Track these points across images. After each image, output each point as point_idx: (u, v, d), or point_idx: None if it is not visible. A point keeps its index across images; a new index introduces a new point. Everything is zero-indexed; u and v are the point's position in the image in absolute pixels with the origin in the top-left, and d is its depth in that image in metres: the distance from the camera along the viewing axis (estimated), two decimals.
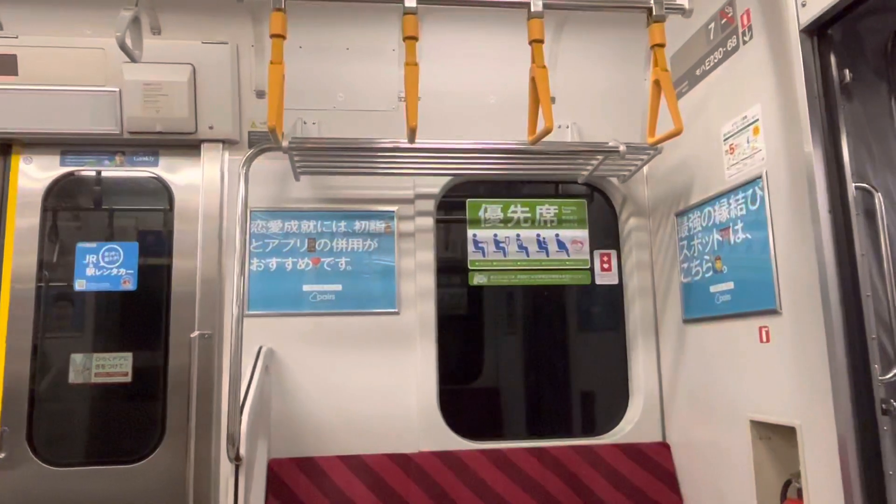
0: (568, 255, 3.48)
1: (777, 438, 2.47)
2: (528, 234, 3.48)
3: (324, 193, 3.32)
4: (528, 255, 3.46)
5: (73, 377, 3.10)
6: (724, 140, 2.71)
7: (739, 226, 2.61)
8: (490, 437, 3.30)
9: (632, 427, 3.28)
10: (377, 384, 3.17)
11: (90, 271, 3.15)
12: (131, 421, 3.13)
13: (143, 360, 3.14)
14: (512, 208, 3.49)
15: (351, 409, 3.13)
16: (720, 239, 2.75)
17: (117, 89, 3.10)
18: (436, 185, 3.37)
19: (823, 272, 2.11)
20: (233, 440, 2.42)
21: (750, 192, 2.53)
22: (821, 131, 2.17)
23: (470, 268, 3.43)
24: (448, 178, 3.39)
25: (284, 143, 2.84)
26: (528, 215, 3.50)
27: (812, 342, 2.17)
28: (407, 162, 3.18)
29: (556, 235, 3.49)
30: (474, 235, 3.45)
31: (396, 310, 3.24)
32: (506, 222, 3.48)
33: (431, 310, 3.26)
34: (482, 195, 3.51)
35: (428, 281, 3.29)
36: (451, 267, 3.46)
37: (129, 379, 3.11)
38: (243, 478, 2.45)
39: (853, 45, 2.29)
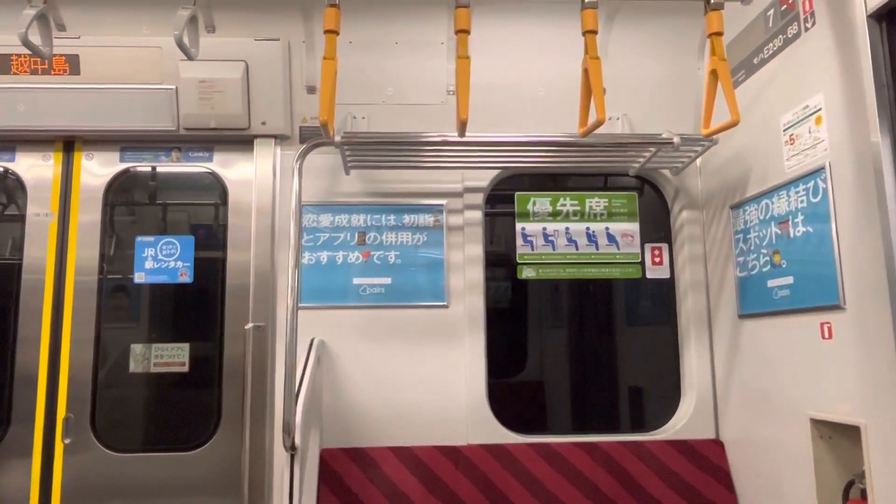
0: (618, 249, 3.43)
1: (839, 437, 2.40)
2: (577, 227, 3.44)
3: (373, 187, 3.34)
4: (577, 249, 3.43)
5: (134, 366, 3.20)
6: (784, 130, 2.63)
7: (800, 218, 2.53)
8: (539, 430, 3.29)
9: (684, 423, 3.22)
10: (426, 377, 3.19)
11: (149, 264, 3.25)
12: (189, 409, 3.23)
13: (199, 350, 3.23)
14: (561, 201, 3.46)
15: (401, 401, 3.16)
16: (779, 232, 2.67)
17: (174, 87, 3.18)
18: (484, 179, 3.36)
19: (892, 265, 2.03)
20: (288, 430, 2.46)
21: (811, 183, 2.45)
22: (889, 120, 2.09)
23: (518, 261, 3.41)
24: (497, 171, 3.38)
25: (336, 138, 2.87)
26: (578, 208, 3.46)
27: (878, 338, 2.10)
28: (456, 155, 3.18)
29: (606, 229, 3.44)
30: (523, 229, 3.43)
31: (445, 303, 3.25)
32: (555, 215, 3.45)
33: (480, 303, 3.26)
34: (531, 188, 3.48)
35: (476, 274, 3.29)
36: (499, 260, 3.45)
37: (186, 369, 3.20)
38: (298, 467, 2.49)
39: None
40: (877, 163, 2.09)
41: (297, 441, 2.49)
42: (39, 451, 3.07)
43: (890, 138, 2.08)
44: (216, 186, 3.36)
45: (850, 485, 2.34)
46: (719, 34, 2.40)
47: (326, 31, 2.37)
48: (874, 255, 2.11)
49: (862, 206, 2.19)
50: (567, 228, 3.45)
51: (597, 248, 3.43)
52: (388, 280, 3.26)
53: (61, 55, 3.13)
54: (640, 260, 3.44)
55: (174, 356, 3.20)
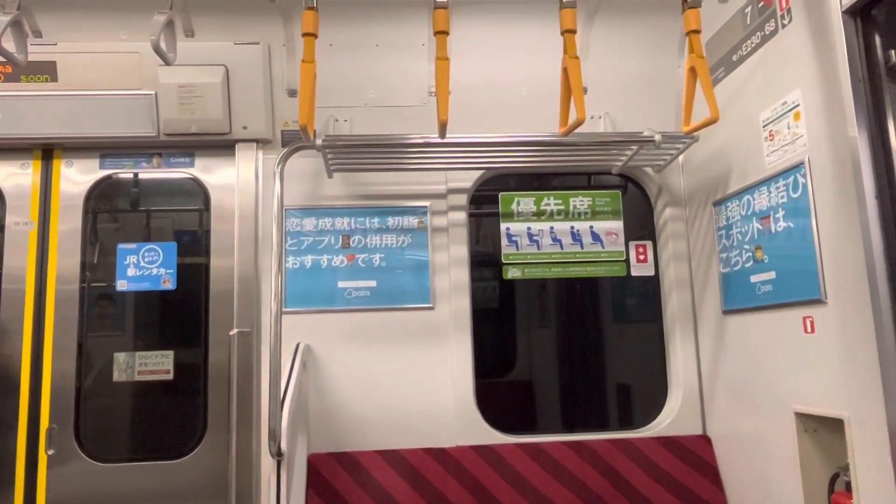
0: (602, 247, 3.44)
1: (823, 430, 2.41)
2: (561, 226, 3.45)
3: (357, 190, 3.33)
4: (562, 248, 3.43)
5: (118, 375, 3.17)
6: (764, 126, 2.65)
7: (781, 214, 2.55)
8: (527, 430, 3.29)
9: (671, 420, 3.23)
10: (413, 379, 3.18)
11: (131, 272, 3.22)
12: (174, 417, 3.20)
13: (183, 357, 3.20)
14: (545, 201, 3.47)
15: (388, 404, 3.14)
16: (760, 228, 2.69)
17: (153, 92, 3.15)
18: (468, 180, 3.36)
19: (871, 259, 2.05)
20: (274, 436, 2.45)
21: (791, 178, 2.47)
22: (865, 115, 2.10)
23: (504, 261, 3.41)
24: (480, 172, 3.38)
25: (318, 142, 2.86)
26: (562, 207, 3.47)
27: (860, 331, 2.12)
28: (439, 157, 3.18)
29: (591, 227, 3.45)
30: (507, 229, 3.43)
31: (431, 305, 3.24)
32: (539, 215, 3.46)
33: (466, 304, 3.26)
34: (515, 188, 3.48)
35: (462, 275, 3.28)
36: (484, 261, 3.45)
37: (170, 376, 3.18)
38: (285, 473, 2.48)
39: None
40: (854, 157, 2.11)
41: (284, 447, 2.47)
42: (23, 463, 3.03)
43: (867, 133, 2.10)
44: (198, 192, 3.34)
45: (835, 477, 2.36)
46: (697, 32, 2.41)
47: (304, 35, 2.35)
48: (854, 248, 2.12)
49: (841, 200, 2.21)
50: (552, 228, 3.45)
51: (581, 247, 3.44)
52: (373, 283, 3.25)
53: (38, 62, 3.09)
54: (624, 258, 3.45)
55: (158, 364, 3.17)
